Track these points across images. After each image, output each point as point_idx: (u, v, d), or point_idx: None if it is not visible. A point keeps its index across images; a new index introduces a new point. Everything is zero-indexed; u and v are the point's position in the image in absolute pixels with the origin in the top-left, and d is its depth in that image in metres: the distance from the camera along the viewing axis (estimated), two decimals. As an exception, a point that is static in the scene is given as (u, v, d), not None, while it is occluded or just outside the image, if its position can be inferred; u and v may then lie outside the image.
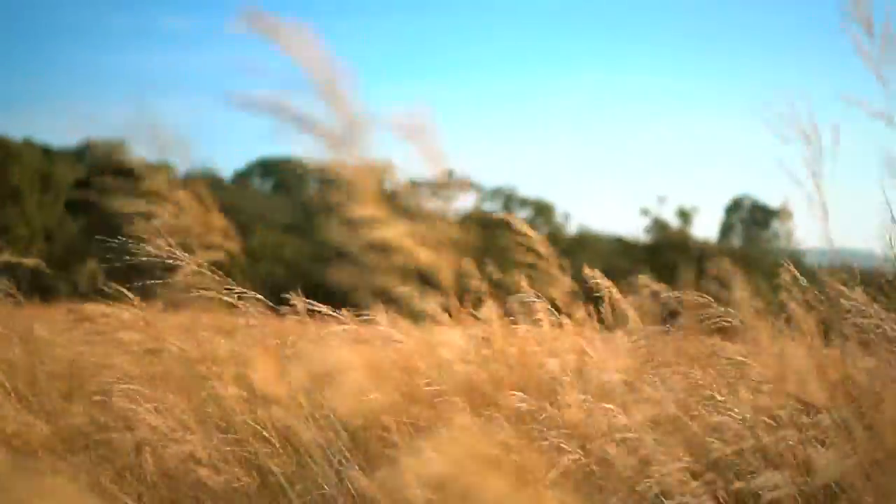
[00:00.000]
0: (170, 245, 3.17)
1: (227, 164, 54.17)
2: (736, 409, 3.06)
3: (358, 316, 3.58)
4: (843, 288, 3.87)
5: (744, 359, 3.51)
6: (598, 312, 3.97)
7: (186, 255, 3.18)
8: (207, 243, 3.30)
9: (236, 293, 3.38)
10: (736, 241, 50.55)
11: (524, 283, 3.93)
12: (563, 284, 3.79)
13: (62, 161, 47.04)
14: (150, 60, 67.33)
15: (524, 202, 56.26)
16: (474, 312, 3.72)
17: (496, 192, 56.25)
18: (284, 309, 3.69)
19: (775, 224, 50.67)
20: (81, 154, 50.36)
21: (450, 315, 3.45)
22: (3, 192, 40.24)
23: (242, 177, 55.98)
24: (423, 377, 3.20)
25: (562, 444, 2.85)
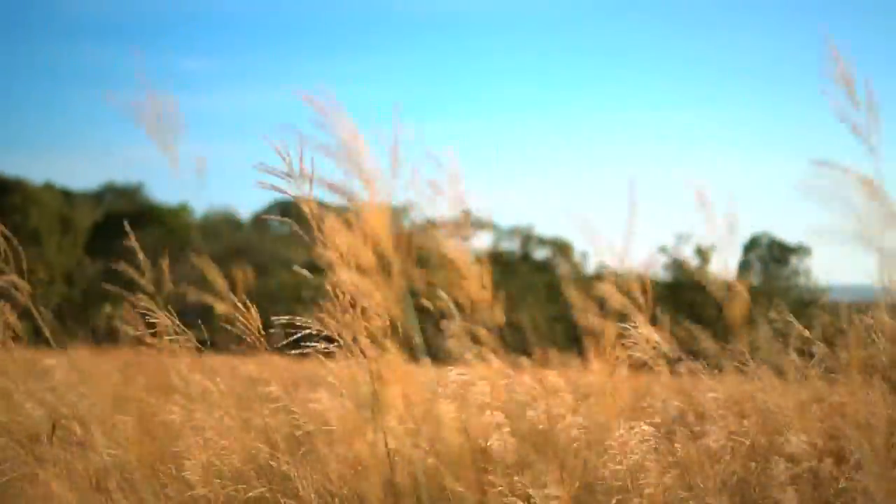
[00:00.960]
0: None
1: (245, 205, 54.41)
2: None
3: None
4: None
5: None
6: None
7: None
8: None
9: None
10: (754, 279, 50.31)
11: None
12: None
13: (82, 204, 47.45)
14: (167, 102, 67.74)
15: (542, 241, 56.21)
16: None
17: (513, 231, 56.22)
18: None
19: (794, 260, 50.48)
20: (101, 197, 50.79)
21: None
22: (23, 234, 40.43)
23: (260, 218, 56.20)
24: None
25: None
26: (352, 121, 2.77)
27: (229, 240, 49.57)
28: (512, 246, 55.22)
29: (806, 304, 47.15)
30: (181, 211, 51.38)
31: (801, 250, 51.53)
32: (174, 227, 49.08)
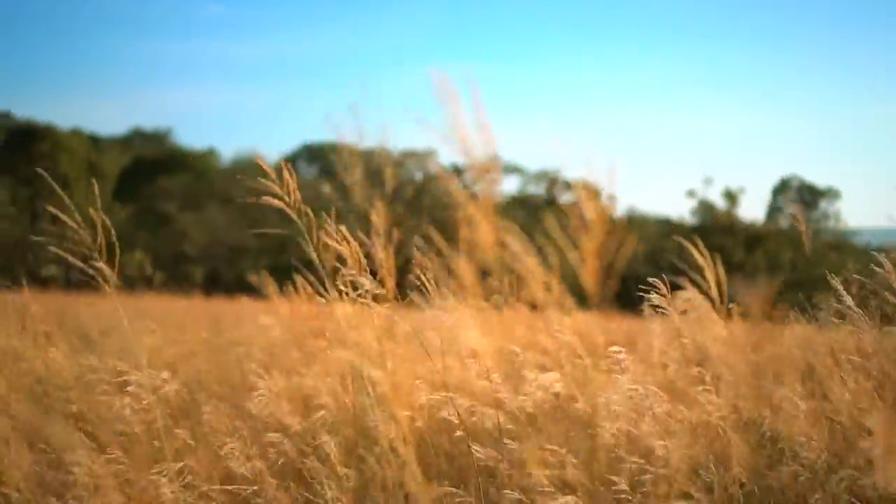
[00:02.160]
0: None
1: (272, 149, 54.40)
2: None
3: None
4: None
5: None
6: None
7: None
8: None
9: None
10: (783, 222, 49.96)
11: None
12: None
13: (110, 149, 47.59)
14: (194, 48, 67.76)
15: (568, 185, 55.96)
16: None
17: (540, 175, 55.92)
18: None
19: (823, 204, 50.01)
20: (129, 142, 50.91)
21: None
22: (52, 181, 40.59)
23: (288, 162, 56.11)
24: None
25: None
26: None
27: (256, 185, 49.42)
28: (539, 190, 54.92)
29: (834, 247, 46.77)
30: (209, 155, 51.47)
31: (830, 193, 50.94)
32: (202, 172, 49.18)
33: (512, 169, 54.96)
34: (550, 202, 54.27)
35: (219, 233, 45.18)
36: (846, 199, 48.22)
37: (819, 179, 47.07)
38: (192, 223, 45.10)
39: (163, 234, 43.28)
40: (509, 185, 54.32)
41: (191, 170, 49.21)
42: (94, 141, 47.55)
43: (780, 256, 45.45)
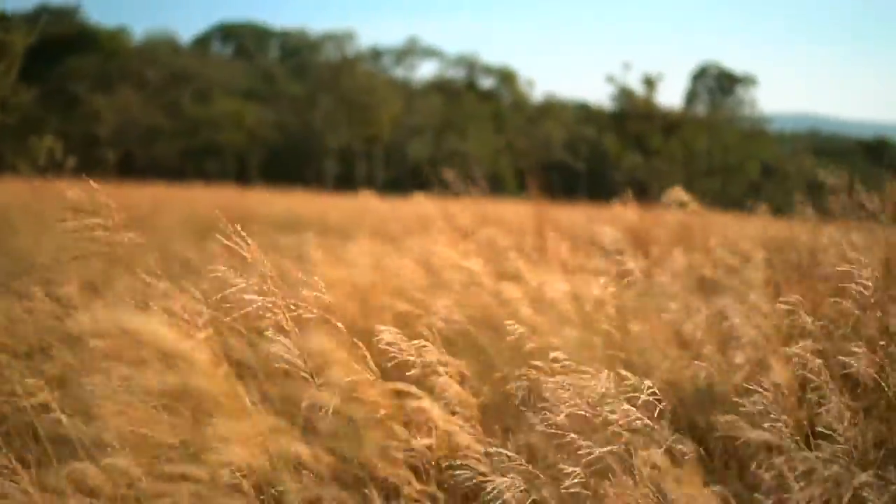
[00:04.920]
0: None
1: (187, 28, 52.93)
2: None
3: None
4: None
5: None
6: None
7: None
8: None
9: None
10: (701, 109, 50.41)
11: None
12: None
13: (15, 27, 45.71)
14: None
15: (488, 70, 55.51)
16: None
17: (459, 60, 55.45)
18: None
19: (740, 91, 50.53)
20: (35, 19, 48.90)
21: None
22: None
23: (202, 42, 54.78)
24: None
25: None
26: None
27: (169, 65, 48.31)
28: (458, 74, 54.58)
29: (751, 135, 47.45)
30: (119, 34, 49.82)
31: (747, 80, 51.44)
32: (113, 52, 47.67)
33: (430, 53, 54.28)
34: (470, 87, 53.92)
35: (132, 115, 44.11)
36: (762, 86, 48.80)
37: (737, 66, 47.55)
38: (103, 105, 43.92)
39: (73, 117, 42.10)
40: (428, 70, 53.88)
41: (101, 50, 47.65)
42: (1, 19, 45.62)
43: (696, 144, 45.99)
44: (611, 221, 6.91)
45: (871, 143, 51.89)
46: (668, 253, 5.59)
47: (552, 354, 2.63)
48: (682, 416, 3.14)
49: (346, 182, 41.99)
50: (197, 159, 45.50)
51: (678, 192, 4.80)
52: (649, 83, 48.76)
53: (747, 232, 7.20)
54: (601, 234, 5.29)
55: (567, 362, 2.58)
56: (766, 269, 4.53)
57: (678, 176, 43.64)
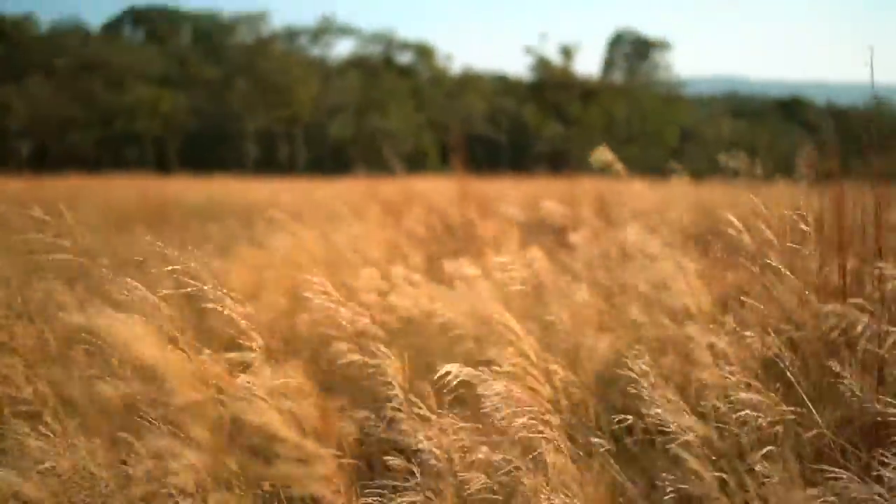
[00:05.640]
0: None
1: (95, 14, 51.75)
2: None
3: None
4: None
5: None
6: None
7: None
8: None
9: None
10: (618, 75, 50.82)
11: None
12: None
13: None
14: None
15: (405, 45, 55.25)
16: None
17: (375, 37, 55.06)
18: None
19: (656, 56, 51.04)
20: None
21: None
22: None
23: (112, 27, 53.65)
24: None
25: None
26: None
27: (79, 53, 47.20)
28: (375, 51, 54.20)
29: (668, 100, 47.95)
30: (25, 22, 48.54)
31: (662, 45, 51.94)
32: (19, 41, 46.42)
33: (346, 31, 53.76)
34: (388, 63, 53.58)
35: (43, 105, 43.03)
36: (678, 50, 49.39)
37: (652, 32, 48.13)
38: (13, 96, 42.76)
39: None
40: (344, 48, 53.29)
41: (6, 39, 46.37)
42: None
43: (614, 111, 46.38)
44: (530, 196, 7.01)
45: (786, 101, 52.90)
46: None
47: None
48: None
49: (267, 165, 41.59)
50: (114, 148, 44.66)
51: (604, 153, 4.84)
52: (566, 52, 49.03)
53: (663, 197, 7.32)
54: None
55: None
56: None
57: (598, 144, 43.87)
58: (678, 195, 7.44)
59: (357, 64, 53.54)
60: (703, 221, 5.61)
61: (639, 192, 6.83)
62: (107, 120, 46.45)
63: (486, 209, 6.80)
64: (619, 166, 4.92)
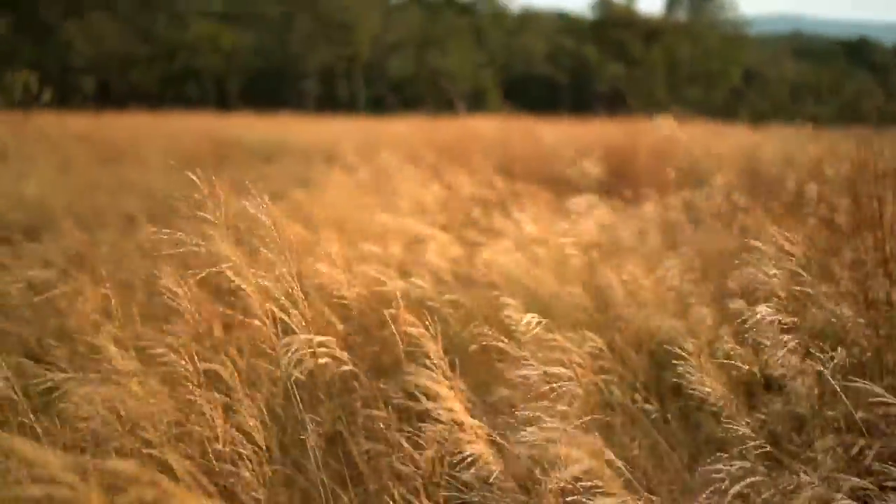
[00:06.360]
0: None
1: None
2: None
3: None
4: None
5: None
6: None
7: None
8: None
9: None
10: (682, 14, 49.87)
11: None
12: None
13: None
14: None
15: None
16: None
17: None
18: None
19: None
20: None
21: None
22: None
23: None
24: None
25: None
26: None
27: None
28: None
29: (732, 39, 47.02)
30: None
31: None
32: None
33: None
34: (448, 0, 53.12)
35: (106, 42, 43.38)
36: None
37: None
38: (76, 33, 43.16)
39: (47, 47, 41.43)
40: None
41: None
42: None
43: (677, 51, 45.63)
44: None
45: (852, 42, 51.55)
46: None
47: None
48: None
49: (328, 102, 41.61)
50: (176, 85, 44.98)
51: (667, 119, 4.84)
52: (629, -10, 48.17)
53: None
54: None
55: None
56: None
57: (660, 85, 43.35)
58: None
59: (417, 1, 53.14)
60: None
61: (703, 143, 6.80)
62: (169, 56, 46.72)
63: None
64: (674, 124, 4.92)
